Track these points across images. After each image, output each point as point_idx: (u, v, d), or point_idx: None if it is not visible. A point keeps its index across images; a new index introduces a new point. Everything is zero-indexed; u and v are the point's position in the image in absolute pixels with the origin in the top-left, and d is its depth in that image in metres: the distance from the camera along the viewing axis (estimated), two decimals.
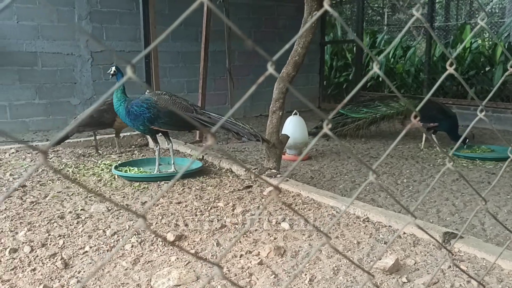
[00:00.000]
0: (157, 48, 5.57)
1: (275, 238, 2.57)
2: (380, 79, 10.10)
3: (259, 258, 2.30)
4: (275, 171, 3.72)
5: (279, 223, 2.78)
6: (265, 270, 2.18)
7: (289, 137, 4.03)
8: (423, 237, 2.49)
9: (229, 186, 3.61)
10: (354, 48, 9.78)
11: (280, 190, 0.88)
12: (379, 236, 2.57)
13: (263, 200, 3.23)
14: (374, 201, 3.53)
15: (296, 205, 3.10)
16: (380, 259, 2.20)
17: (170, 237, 2.55)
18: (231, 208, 3.06)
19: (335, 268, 2.17)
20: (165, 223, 2.80)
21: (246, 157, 5.07)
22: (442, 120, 5.37)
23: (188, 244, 2.50)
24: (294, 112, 5.07)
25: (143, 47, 5.70)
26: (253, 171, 3.79)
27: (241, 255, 2.34)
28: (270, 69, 0.89)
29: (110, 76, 3.93)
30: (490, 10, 11.51)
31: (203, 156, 4.50)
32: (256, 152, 5.27)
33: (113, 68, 3.92)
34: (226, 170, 4.08)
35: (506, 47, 8.14)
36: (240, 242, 2.53)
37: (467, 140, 5.22)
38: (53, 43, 6.50)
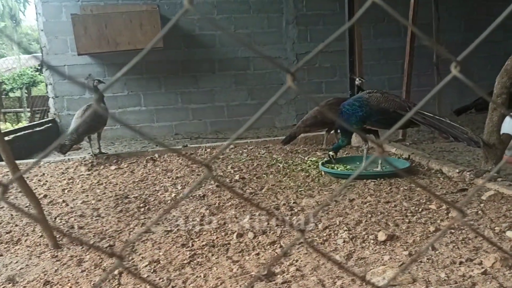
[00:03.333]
0: (362, 46, 5.58)
1: (500, 248, 2.33)
2: None
3: (482, 267, 2.12)
4: (496, 174, 3.38)
5: (504, 232, 2.52)
6: (490, 281, 2.01)
7: None
8: None
9: (440, 188, 3.41)
10: None
11: None
12: None
13: (481, 205, 2.97)
14: None
15: None
16: None
17: (382, 236, 2.54)
18: (445, 212, 2.89)
19: None
20: (374, 222, 2.80)
21: (456, 157, 4.72)
22: None
23: (401, 245, 2.45)
24: None
25: (347, 46, 5.78)
26: (468, 173, 3.51)
27: (460, 262, 2.20)
28: (454, 71, 0.79)
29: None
30: None
31: (409, 156, 4.36)
32: (467, 153, 4.87)
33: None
34: (435, 171, 3.86)
35: None
36: (458, 248, 2.37)
37: None
38: (263, 47, 7.08)
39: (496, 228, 2.58)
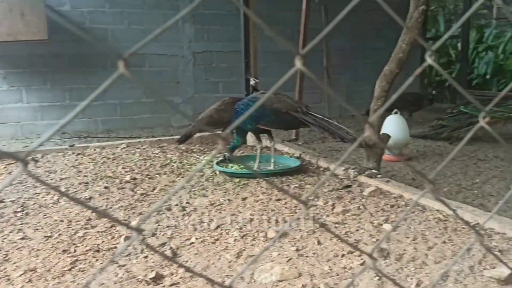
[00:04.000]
0: (257, 48, 5.68)
1: (377, 240, 2.50)
2: (488, 76, 9.41)
3: (361, 258, 2.26)
4: (375, 171, 3.63)
5: (381, 225, 2.70)
6: (368, 271, 2.14)
7: (390, 136, 3.90)
8: None
9: (328, 185, 3.58)
10: (459, 44, 9.21)
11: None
12: (491, 243, 2.40)
13: (363, 200, 3.16)
14: (483, 206, 3.30)
15: (398, 207, 3.00)
16: (494, 268, 2.06)
17: (271, 233, 2.59)
18: (331, 207, 3.04)
19: (444, 274, 2.07)
20: (265, 219, 2.85)
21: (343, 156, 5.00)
22: None
23: (289, 241, 2.52)
24: (394, 111, 4.90)
25: (242, 47, 5.85)
26: (352, 171, 3.72)
27: (343, 255, 2.32)
28: (298, 64, 0.80)
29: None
30: None
31: (300, 154, 4.52)
32: (353, 152, 5.17)
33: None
34: (324, 169, 4.05)
35: None
36: (341, 241, 2.50)
37: None
38: (159, 45, 6.90)
39: (375, 221, 2.76)
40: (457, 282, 2.01)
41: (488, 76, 9.33)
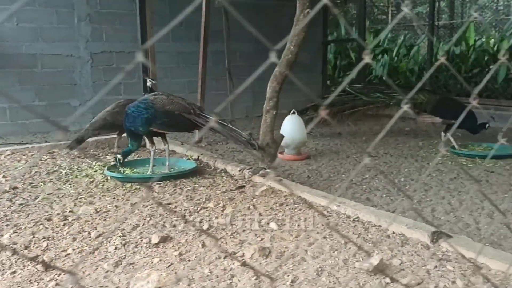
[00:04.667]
0: (154, 48, 5.54)
1: (262, 239, 2.52)
2: (384, 77, 10.00)
3: (243, 259, 2.26)
4: (269, 170, 3.67)
5: (268, 224, 2.73)
6: (247, 271, 2.14)
7: (283, 136, 3.98)
8: (412, 236, 2.43)
9: (222, 187, 3.56)
10: (358, 47, 9.69)
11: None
12: (367, 236, 2.51)
13: (254, 200, 3.18)
14: (369, 201, 3.46)
15: (287, 205, 3.05)
16: (365, 259, 2.15)
17: (155, 238, 2.51)
18: (221, 209, 3.02)
19: (319, 269, 2.12)
20: (152, 225, 2.76)
21: (245, 157, 5.02)
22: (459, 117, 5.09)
23: (173, 246, 2.46)
24: (292, 111, 5.01)
25: (140, 47, 5.67)
26: (247, 171, 3.74)
27: (225, 257, 2.30)
28: (272, 57, 0.87)
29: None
30: (495, 7, 11.42)
31: (198, 157, 4.47)
32: (255, 152, 5.22)
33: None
34: (220, 170, 4.03)
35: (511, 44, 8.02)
36: (226, 243, 2.48)
37: (487, 126, 5.03)
38: (53, 44, 6.50)
39: (262, 220, 2.78)
40: (330, 275, 2.06)
41: (384, 77, 9.93)
